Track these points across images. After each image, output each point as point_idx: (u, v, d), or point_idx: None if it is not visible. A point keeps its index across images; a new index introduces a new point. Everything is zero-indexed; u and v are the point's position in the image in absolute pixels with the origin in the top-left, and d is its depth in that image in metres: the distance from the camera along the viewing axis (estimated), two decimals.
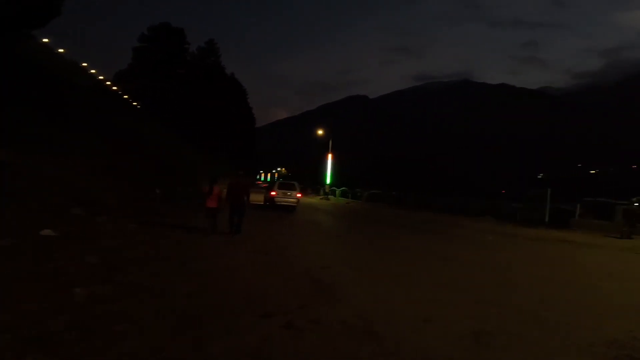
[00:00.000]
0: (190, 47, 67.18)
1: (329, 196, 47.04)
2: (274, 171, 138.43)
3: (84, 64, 58.16)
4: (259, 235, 9.88)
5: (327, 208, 27.59)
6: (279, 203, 18.21)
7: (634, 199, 18.68)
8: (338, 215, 22.09)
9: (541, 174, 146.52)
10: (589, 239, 13.71)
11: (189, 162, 35.57)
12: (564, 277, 7.20)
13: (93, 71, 58.83)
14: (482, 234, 14.51)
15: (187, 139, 51.55)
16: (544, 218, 18.54)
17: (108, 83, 58.62)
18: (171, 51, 61.44)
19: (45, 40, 42.92)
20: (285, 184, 19.87)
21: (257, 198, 19.05)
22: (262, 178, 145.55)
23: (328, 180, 50.07)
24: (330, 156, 51.44)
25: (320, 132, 54.40)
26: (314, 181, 60.99)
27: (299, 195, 19.84)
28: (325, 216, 20.15)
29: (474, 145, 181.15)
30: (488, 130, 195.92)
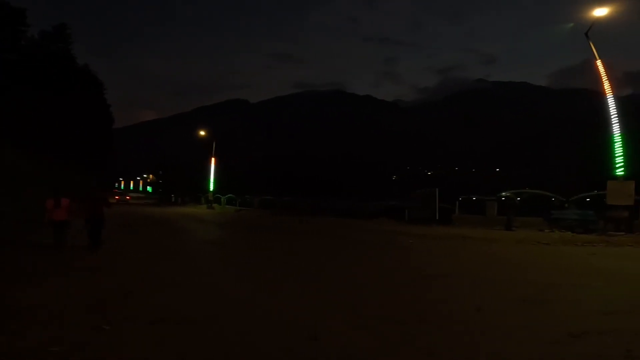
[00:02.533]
0: (29, 31, 51.01)
1: (214, 204, 42.32)
2: (138, 178, 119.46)
3: None
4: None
5: (215, 219, 23.86)
6: None
7: (504, 194, 21.82)
8: (231, 226, 18.97)
9: (394, 176, 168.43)
10: (483, 234, 14.73)
11: (18, 171, 25.82)
12: (527, 276, 6.57)
13: None
14: (395, 235, 14.10)
15: (16, 142, 38.14)
16: (434, 216, 19.79)
17: None
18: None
19: None
20: None
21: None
22: (124, 187, 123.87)
23: (212, 187, 45.09)
24: (213, 161, 46.50)
25: (202, 133, 48.65)
26: (193, 188, 54.37)
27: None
28: (208, 228, 16.94)
29: (346, 152, 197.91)
30: (357, 138, 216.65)
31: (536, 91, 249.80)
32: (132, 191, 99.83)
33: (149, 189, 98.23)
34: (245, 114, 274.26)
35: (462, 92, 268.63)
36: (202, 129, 51.15)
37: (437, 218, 19.63)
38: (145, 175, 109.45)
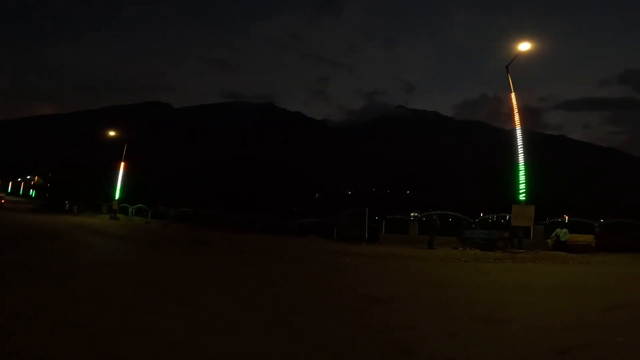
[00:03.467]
0: None
1: (119, 215, 36.91)
2: (19, 180, 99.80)
3: None
4: None
5: (119, 232, 20.41)
6: None
7: (414, 214, 23.19)
8: (141, 241, 16.26)
9: (317, 194, 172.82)
10: (410, 252, 15.06)
11: None
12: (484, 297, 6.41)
13: None
14: (330, 254, 13.56)
15: None
16: (364, 235, 19.92)
17: None
18: None
19: None
20: None
21: None
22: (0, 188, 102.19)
23: (117, 195, 39.46)
24: (123, 165, 40.98)
25: (112, 133, 42.68)
26: (94, 195, 47.00)
27: None
28: (110, 242, 14.16)
29: (270, 167, 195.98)
30: (282, 154, 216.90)
31: (443, 121, 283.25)
32: (9, 194, 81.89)
33: (32, 192, 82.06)
34: (165, 118, 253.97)
35: (385, 117, 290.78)
36: (112, 129, 44.95)
37: (366, 237, 19.82)
38: (29, 177, 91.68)
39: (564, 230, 17.64)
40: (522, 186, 16.14)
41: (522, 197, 16.16)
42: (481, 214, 27.78)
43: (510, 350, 3.66)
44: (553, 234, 17.60)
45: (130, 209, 39.95)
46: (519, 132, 16.44)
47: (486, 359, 3.45)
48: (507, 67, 16.58)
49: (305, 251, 14.46)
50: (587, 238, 18.31)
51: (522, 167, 16.23)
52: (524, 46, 15.67)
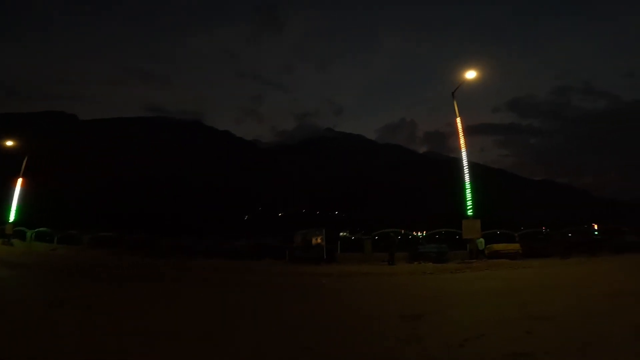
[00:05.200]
0: None
1: (13, 240, 30.33)
2: None
3: None
4: None
5: (11, 260, 16.39)
6: None
7: (343, 233, 23.65)
8: (48, 274, 13.25)
9: (247, 216, 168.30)
10: (375, 269, 15.13)
11: None
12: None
13: None
14: (300, 277, 12.82)
15: None
16: (322, 255, 19.49)
17: None
18: None
19: None
20: None
21: None
22: None
23: (13, 217, 32.68)
24: (20, 182, 34.30)
25: (9, 144, 35.61)
26: None
27: None
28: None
29: (195, 188, 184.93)
30: (211, 174, 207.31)
31: (367, 143, 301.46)
32: None
33: None
34: (70, 131, 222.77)
35: (314, 139, 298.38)
36: (7, 139, 37.53)
37: (325, 257, 19.44)
38: None
39: (480, 240, 19.27)
40: (469, 202, 17.65)
41: (469, 212, 17.65)
42: (415, 232, 29.74)
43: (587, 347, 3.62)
44: (471, 244, 19.14)
45: (29, 234, 33.10)
46: (464, 154, 18.14)
47: None
48: (452, 93, 18.42)
49: (274, 276, 13.45)
50: (515, 246, 20.74)
51: (467, 185, 17.82)
52: (470, 74, 17.57)
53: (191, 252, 22.85)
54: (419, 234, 35.56)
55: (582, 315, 5.54)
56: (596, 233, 32.14)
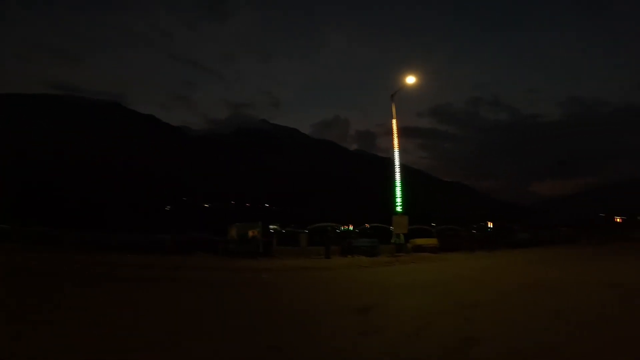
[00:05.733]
0: None
1: None
2: None
3: None
4: None
5: None
6: None
7: (273, 227, 23.87)
8: None
9: (168, 207, 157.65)
10: (313, 263, 15.37)
11: None
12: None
13: None
14: (242, 273, 12.38)
15: None
16: (258, 249, 19.11)
17: None
18: None
19: None
20: None
21: None
22: None
23: None
24: None
25: None
26: None
27: None
28: None
29: (115, 174, 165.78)
30: (130, 159, 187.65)
31: (301, 138, 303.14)
32: None
33: None
34: None
35: (247, 130, 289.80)
36: None
37: (261, 251, 19.10)
38: None
39: (400, 235, 20.73)
40: (398, 200, 19.02)
41: (398, 208, 19.03)
42: (345, 225, 31.13)
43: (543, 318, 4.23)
44: (392, 240, 20.74)
45: None
46: (396, 154, 19.46)
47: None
48: (392, 96, 19.55)
49: (212, 271, 12.76)
50: (433, 241, 23.00)
51: (398, 183, 19.17)
52: (410, 79, 18.85)
53: (104, 246, 20.40)
54: (350, 228, 37.23)
55: (504, 302, 6.42)
56: (488, 230, 37.36)
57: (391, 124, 19.58)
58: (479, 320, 5.05)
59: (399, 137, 19.41)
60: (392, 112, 19.49)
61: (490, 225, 43.03)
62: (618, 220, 46.63)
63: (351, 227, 36.58)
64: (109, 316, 5.48)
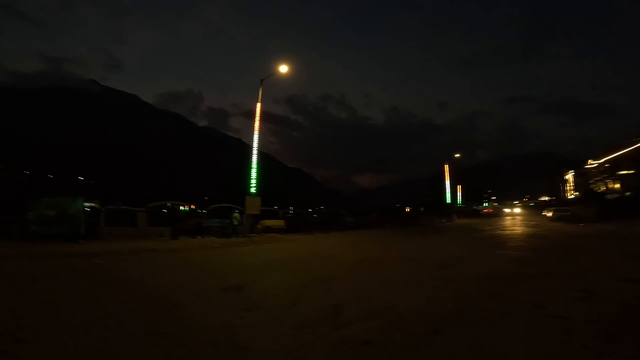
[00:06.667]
0: None
1: None
2: None
3: None
4: None
5: None
6: None
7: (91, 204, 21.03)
8: None
9: None
10: (157, 245, 13.95)
11: None
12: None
13: None
14: (61, 259, 10.04)
15: None
16: (79, 230, 15.69)
17: None
18: None
19: None
20: None
21: None
22: None
23: None
24: None
25: None
26: None
27: None
28: None
29: None
30: None
31: (143, 106, 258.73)
32: None
33: None
34: None
35: (67, 89, 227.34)
36: None
37: (83, 232, 15.79)
38: None
39: (237, 215, 20.74)
40: (253, 181, 19.39)
41: (253, 189, 19.40)
42: (186, 205, 29.53)
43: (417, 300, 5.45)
44: (234, 218, 20.85)
45: None
46: (256, 136, 19.67)
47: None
48: (262, 80, 19.48)
49: (17, 260, 9.77)
50: (281, 223, 24.67)
51: (254, 165, 19.50)
52: (283, 68, 19.09)
53: None
54: (193, 208, 35.12)
55: (350, 275, 7.79)
56: (315, 215, 42.59)
57: (255, 107, 19.67)
58: (337, 290, 6.06)
59: (261, 121, 19.71)
60: (258, 96, 19.57)
61: (322, 208, 48.93)
62: (407, 210, 61.32)
63: (191, 207, 34.58)
64: None
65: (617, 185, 45.30)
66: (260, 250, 13.04)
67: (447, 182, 63.66)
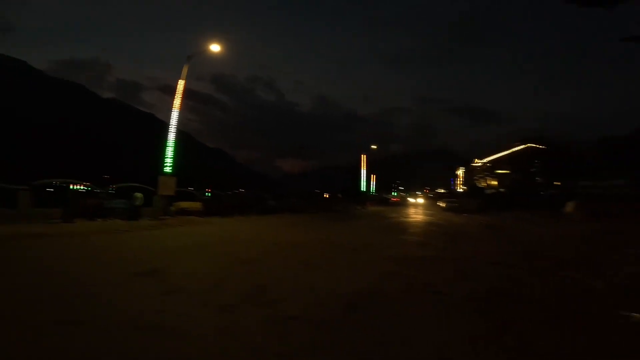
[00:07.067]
0: None
1: None
2: None
3: None
4: None
5: None
6: None
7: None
8: None
9: None
10: (47, 229, 12.09)
11: None
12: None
13: None
14: None
15: None
16: None
17: None
18: None
19: None
20: None
21: None
22: None
23: None
24: None
25: None
26: None
27: None
28: None
29: None
30: None
31: (31, 72, 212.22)
32: None
33: None
34: None
35: None
36: None
37: None
38: None
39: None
40: (169, 160, 18.03)
41: (168, 169, 18.04)
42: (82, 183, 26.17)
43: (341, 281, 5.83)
44: (161, 201, 19.31)
45: None
46: (175, 114, 18.18)
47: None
48: (188, 57, 17.85)
49: None
50: (198, 205, 23.51)
51: (171, 144, 18.11)
52: (215, 47, 17.69)
53: None
54: (88, 185, 30.90)
55: (271, 257, 8.08)
56: (244, 196, 41.89)
57: (176, 83, 18.09)
58: (259, 272, 6.30)
59: (182, 98, 18.21)
60: (182, 73, 17.99)
61: (242, 191, 47.80)
62: (326, 195, 64.00)
63: (87, 185, 30.41)
64: None
65: (495, 182, 54.68)
66: (174, 234, 12.38)
67: (364, 172, 68.11)
